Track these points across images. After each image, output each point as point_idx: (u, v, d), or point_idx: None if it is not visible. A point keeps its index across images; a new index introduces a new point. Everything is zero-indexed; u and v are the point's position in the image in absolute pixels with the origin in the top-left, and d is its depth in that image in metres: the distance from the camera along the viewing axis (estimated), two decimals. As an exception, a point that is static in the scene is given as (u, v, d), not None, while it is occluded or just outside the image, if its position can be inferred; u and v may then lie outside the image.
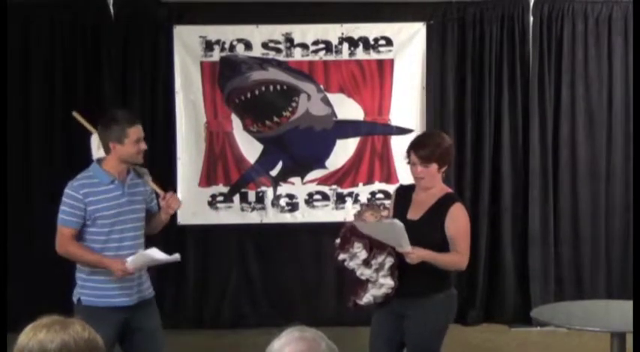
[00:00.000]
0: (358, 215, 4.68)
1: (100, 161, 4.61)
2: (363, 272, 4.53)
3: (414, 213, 4.65)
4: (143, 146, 4.55)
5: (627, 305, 5.01)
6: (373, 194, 7.41)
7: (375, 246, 4.51)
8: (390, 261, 4.50)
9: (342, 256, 4.58)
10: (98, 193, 4.51)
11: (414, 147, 4.60)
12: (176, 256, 4.63)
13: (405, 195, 4.75)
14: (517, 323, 7.41)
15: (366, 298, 4.58)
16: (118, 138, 4.49)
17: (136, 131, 4.51)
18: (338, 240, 4.63)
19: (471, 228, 7.58)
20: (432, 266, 4.51)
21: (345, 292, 4.73)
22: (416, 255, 4.43)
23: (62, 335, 2.24)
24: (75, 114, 5.04)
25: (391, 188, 7.05)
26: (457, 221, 4.58)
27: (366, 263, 4.52)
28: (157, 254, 4.61)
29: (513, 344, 7.06)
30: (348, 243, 4.55)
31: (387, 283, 4.51)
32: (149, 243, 4.80)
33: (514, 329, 7.41)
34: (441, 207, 4.60)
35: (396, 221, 4.45)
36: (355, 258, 4.54)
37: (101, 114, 4.79)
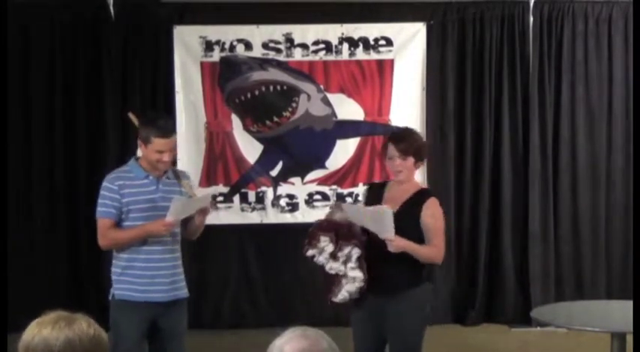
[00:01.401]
0: (330, 214, 4.71)
1: (138, 158, 4.69)
2: (332, 266, 4.55)
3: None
4: (164, 158, 4.55)
5: (627, 306, 5.00)
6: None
7: (340, 239, 4.54)
8: (357, 253, 4.53)
9: (310, 252, 4.60)
10: (132, 186, 4.57)
11: (393, 141, 4.67)
12: (215, 189, 4.64)
13: (376, 192, 4.79)
14: (517, 323, 7.42)
15: (342, 295, 4.59)
16: (144, 140, 4.56)
17: (160, 143, 4.53)
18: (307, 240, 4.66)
19: (471, 227, 7.68)
20: (406, 262, 4.54)
21: (321, 290, 4.72)
22: (396, 243, 4.46)
23: (67, 333, 2.24)
24: (130, 114, 5.06)
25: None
26: (434, 215, 4.62)
27: (334, 256, 4.54)
28: (187, 198, 4.62)
29: (513, 345, 7.06)
30: (314, 239, 4.58)
31: (357, 276, 4.53)
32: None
33: (514, 329, 7.41)
34: (416, 202, 4.63)
35: (386, 207, 4.48)
36: (323, 252, 4.57)
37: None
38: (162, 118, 4.80)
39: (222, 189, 7.41)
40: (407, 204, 4.63)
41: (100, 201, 4.60)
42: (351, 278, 4.55)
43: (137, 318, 4.55)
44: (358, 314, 4.71)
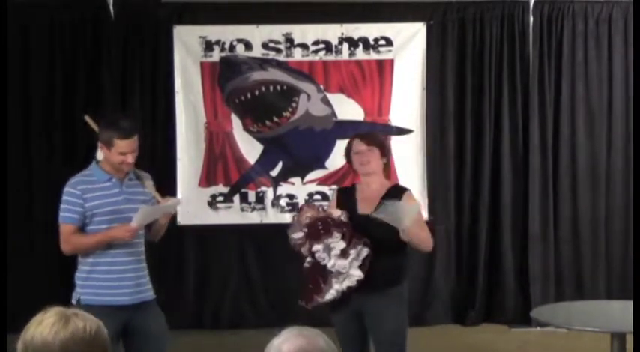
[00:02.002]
0: (299, 214, 4.72)
1: (99, 161, 4.65)
2: (337, 263, 4.53)
3: (364, 208, 4.70)
4: (128, 160, 4.52)
5: (627, 305, 5.00)
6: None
7: (354, 236, 4.55)
8: (366, 252, 4.54)
9: (316, 247, 4.58)
10: (95, 190, 4.53)
11: (358, 136, 4.85)
12: (176, 200, 4.64)
13: (347, 194, 4.85)
14: (517, 323, 7.41)
15: (330, 294, 4.58)
16: (106, 143, 4.53)
17: (123, 144, 4.50)
18: (296, 235, 4.64)
19: (470, 227, 7.68)
20: (392, 261, 4.60)
21: (302, 290, 4.70)
22: (408, 232, 4.54)
23: (64, 333, 2.24)
24: (87, 117, 5.05)
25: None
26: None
27: (344, 253, 4.52)
28: (154, 206, 4.64)
29: (513, 345, 7.06)
30: (327, 234, 4.55)
31: (356, 274, 4.53)
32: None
33: (514, 329, 7.41)
34: (394, 197, 4.67)
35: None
36: (330, 249, 4.54)
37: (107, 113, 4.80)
38: (124, 119, 4.74)
39: (217, 191, 7.43)
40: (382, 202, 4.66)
41: (62, 206, 4.55)
42: (346, 277, 4.54)
43: (105, 323, 4.51)
44: (340, 315, 4.72)
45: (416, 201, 4.85)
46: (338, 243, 4.53)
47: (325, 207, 4.91)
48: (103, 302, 4.50)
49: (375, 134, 5.14)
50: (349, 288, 4.56)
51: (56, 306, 2.34)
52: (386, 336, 4.67)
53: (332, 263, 4.54)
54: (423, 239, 4.71)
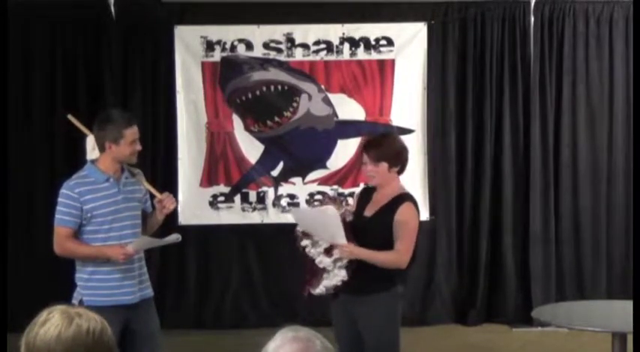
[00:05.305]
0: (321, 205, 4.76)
1: (94, 161, 4.64)
2: (323, 261, 4.58)
3: (369, 211, 4.73)
4: (138, 147, 4.57)
5: (628, 305, 5.00)
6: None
7: None
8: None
9: (304, 242, 4.63)
10: (94, 191, 4.53)
11: (365, 148, 4.77)
12: (176, 236, 4.63)
13: (366, 195, 4.84)
14: (518, 323, 7.41)
15: (319, 289, 4.63)
16: (114, 139, 4.51)
17: (132, 132, 4.53)
18: (300, 227, 4.67)
19: (472, 227, 7.66)
20: (373, 267, 4.56)
21: (302, 281, 4.73)
22: (349, 250, 4.51)
23: (67, 334, 2.23)
24: (70, 117, 5.04)
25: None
26: (402, 220, 4.63)
27: (327, 252, 4.56)
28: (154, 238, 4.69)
29: (514, 345, 7.06)
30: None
31: (340, 275, 4.56)
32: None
33: (515, 329, 7.41)
34: (391, 206, 4.66)
35: (330, 207, 4.51)
36: (317, 245, 4.59)
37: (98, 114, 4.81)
38: (116, 111, 4.78)
39: (218, 191, 7.42)
40: (383, 208, 4.69)
41: (59, 208, 4.55)
42: (333, 275, 4.58)
43: (109, 323, 4.49)
44: (337, 319, 4.77)
45: (413, 214, 4.67)
46: (323, 241, 4.58)
47: (350, 202, 4.91)
48: (106, 303, 4.49)
49: (385, 145, 4.72)
50: (336, 287, 4.59)
51: (59, 305, 2.33)
52: (374, 340, 4.66)
53: (319, 259, 4.59)
54: (379, 261, 4.58)
